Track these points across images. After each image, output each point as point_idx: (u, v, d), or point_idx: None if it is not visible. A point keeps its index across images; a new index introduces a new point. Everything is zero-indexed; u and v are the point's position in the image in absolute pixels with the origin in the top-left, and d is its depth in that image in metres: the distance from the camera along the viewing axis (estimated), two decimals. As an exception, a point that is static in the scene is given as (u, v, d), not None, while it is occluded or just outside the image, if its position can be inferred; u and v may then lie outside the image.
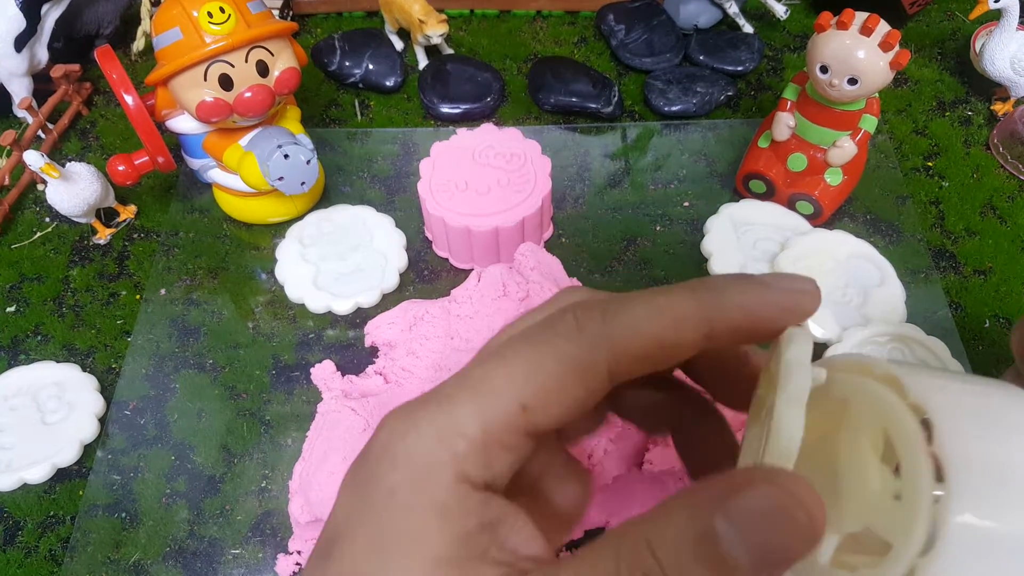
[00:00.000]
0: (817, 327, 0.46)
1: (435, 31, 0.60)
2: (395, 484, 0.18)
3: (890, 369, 0.18)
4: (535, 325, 0.19)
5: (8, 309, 0.50)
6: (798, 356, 0.18)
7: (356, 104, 0.62)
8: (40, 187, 0.56)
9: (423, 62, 0.63)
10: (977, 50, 0.59)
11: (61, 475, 0.43)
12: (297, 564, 0.40)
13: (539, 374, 0.18)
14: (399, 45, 0.65)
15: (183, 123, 0.49)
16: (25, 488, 0.43)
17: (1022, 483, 0.17)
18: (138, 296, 0.51)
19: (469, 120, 0.60)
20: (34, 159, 0.48)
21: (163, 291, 0.51)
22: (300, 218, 0.53)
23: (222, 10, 0.43)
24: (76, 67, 0.59)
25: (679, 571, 0.15)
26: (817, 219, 0.52)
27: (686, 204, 0.55)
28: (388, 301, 0.49)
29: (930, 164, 0.57)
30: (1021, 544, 0.16)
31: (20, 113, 0.59)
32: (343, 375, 0.45)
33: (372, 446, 0.19)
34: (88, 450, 0.44)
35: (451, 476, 0.18)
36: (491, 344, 0.21)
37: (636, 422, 0.25)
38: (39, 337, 0.49)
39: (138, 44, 0.65)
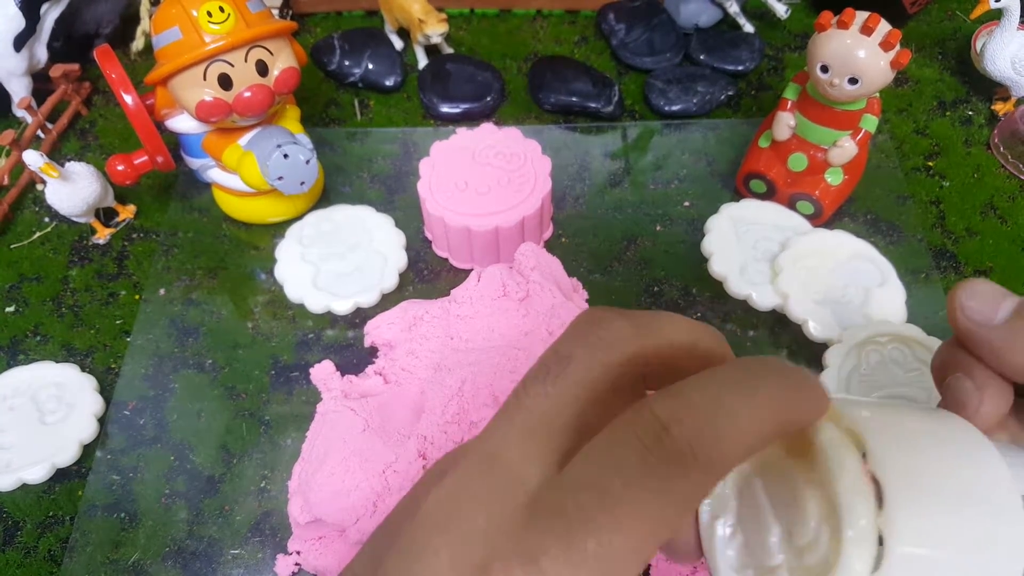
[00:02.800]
0: (817, 327, 0.46)
1: (435, 30, 0.60)
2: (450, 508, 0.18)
3: (849, 423, 0.19)
4: (639, 461, 0.17)
5: (7, 309, 0.50)
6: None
7: (356, 104, 0.62)
8: (39, 187, 0.56)
9: (423, 61, 0.63)
10: (978, 50, 0.58)
11: (60, 475, 0.43)
12: (296, 564, 0.40)
13: (662, 532, 0.17)
14: (399, 44, 0.65)
15: (182, 123, 0.49)
16: (24, 488, 0.43)
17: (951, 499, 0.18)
18: (137, 296, 0.51)
19: (469, 120, 0.60)
20: (33, 159, 0.48)
21: (162, 291, 0.51)
22: (299, 218, 0.53)
23: (221, 9, 0.43)
24: (75, 67, 0.59)
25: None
26: (817, 219, 0.51)
27: (686, 204, 0.55)
28: (388, 301, 0.49)
29: (931, 164, 0.57)
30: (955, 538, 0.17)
31: (19, 113, 0.59)
32: (342, 375, 0.45)
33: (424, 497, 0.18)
34: (87, 450, 0.44)
35: (507, 487, 0.18)
36: (590, 474, 0.18)
37: None
38: (38, 337, 0.49)
39: (137, 43, 0.64)
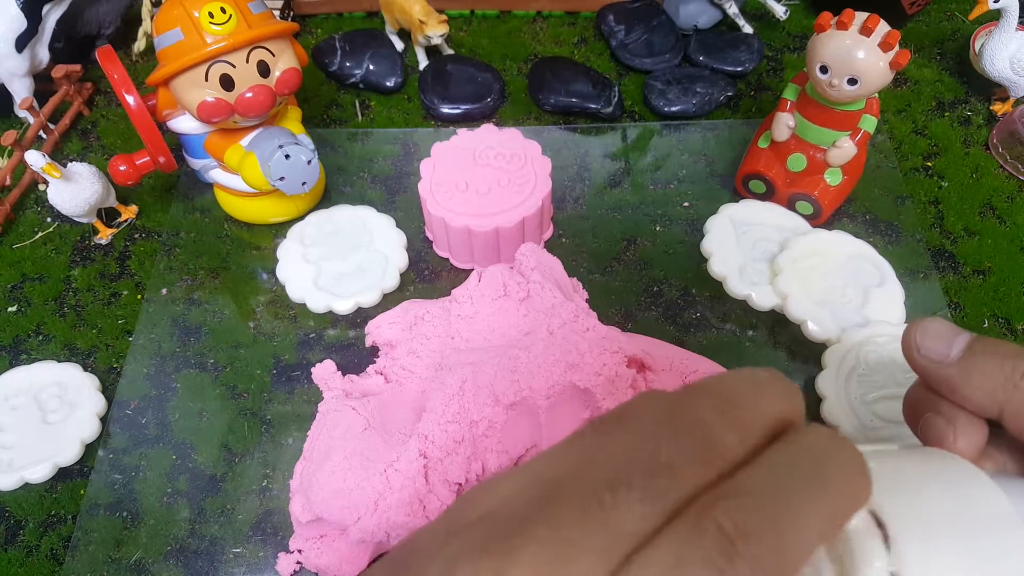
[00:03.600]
0: (816, 327, 0.46)
1: (435, 31, 0.60)
2: None
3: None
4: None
5: (10, 309, 0.50)
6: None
7: (356, 104, 0.62)
8: (41, 187, 0.56)
9: (423, 62, 0.63)
10: (977, 50, 0.59)
11: (62, 474, 0.43)
12: (298, 563, 0.40)
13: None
14: (399, 45, 0.65)
15: (184, 123, 0.49)
16: (26, 487, 0.43)
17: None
18: (139, 296, 0.51)
19: (469, 120, 0.60)
20: (35, 159, 0.48)
21: (164, 291, 0.51)
22: (301, 218, 0.53)
23: (223, 10, 0.44)
24: (77, 67, 0.59)
25: None
26: (817, 219, 0.52)
27: (686, 204, 0.55)
28: (389, 301, 0.49)
29: (929, 164, 0.57)
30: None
31: (21, 113, 0.59)
32: (344, 375, 0.45)
33: None
34: (89, 449, 0.44)
35: None
36: None
37: None
38: (40, 337, 0.49)
39: (139, 44, 0.65)
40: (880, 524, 0.18)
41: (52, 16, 0.57)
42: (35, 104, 0.57)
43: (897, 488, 0.19)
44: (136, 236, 0.54)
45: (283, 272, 0.50)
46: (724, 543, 0.15)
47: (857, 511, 0.18)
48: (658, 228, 0.54)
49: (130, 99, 0.47)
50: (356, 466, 0.37)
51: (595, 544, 0.15)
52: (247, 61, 0.44)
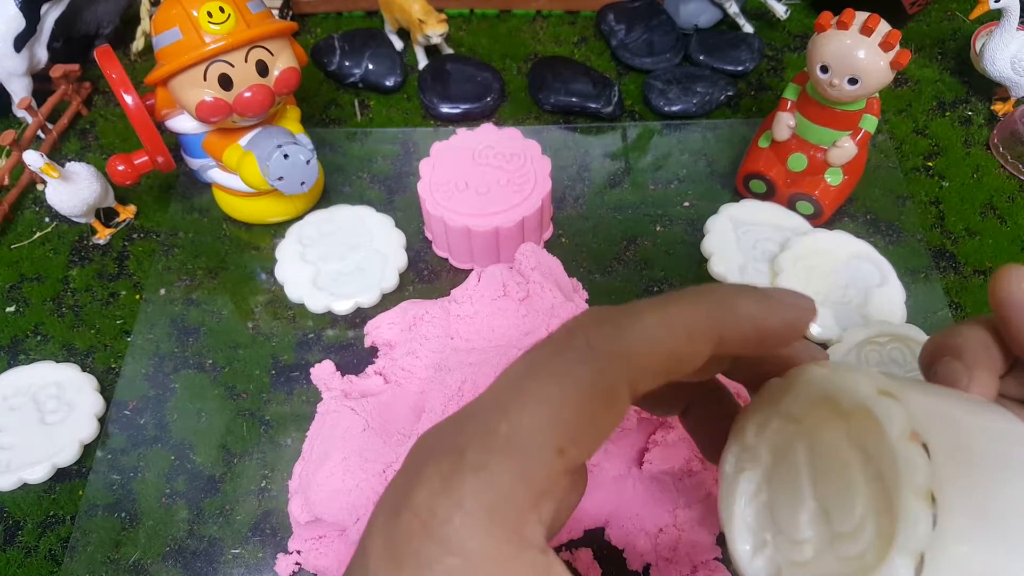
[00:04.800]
0: (817, 327, 0.46)
1: (435, 31, 0.60)
2: (451, 569, 0.16)
3: (890, 388, 0.18)
4: (544, 352, 0.18)
5: (8, 309, 0.50)
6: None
7: (356, 104, 0.62)
8: (40, 187, 0.56)
9: (423, 62, 0.63)
10: (977, 50, 0.58)
11: (61, 475, 0.43)
12: (297, 564, 0.40)
13: (565, 411, 0.17)
14: (399, 45, 0.65)
15: (183, 123, 0.49)
16: (25, 488, 0.43)
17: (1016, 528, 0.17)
18: (138, 296, 0.51)
19: (469, 120, 0.60)
20: (34, 159, 0.48)
21: (163, 291, 0.51)
22: (300, 218, 0.53)
23: (222, 10, 0.43)
24: (75, 67, 0.59)
25: None
26: (817, 219, 0.51)
27: (686, 204, 0.55)
28: (388, 301, 0.49)
29: (930, 164, 0.57)
30: None
31: (20, 113, 0.59)
32: (343, 375, 0.45)
33: (407, 523, 0.17)
34: (88, 450, 0.44)
35: (512, 548, 0.17)
36: (504, 380, 0.19)
37: (647, 407, 0.25)
38: (39, 337, 0.49)
39: (138, 44, 0.65)
40: (921, 441, 0.17)
41: (50, 16, 0.57)
42: (33, 104, 0.57)
43: (961, 460, 0.17)
44: (134, 236, 0.54)
45: (282, 272, 0.50)
46: (569, 328, 0.19)
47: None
48: (658, 228, 0.53)
49: (128, 99, 0.46)
50: (355, 467, 0.37)
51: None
52: (246, 60, 0.44)
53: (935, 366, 0.24)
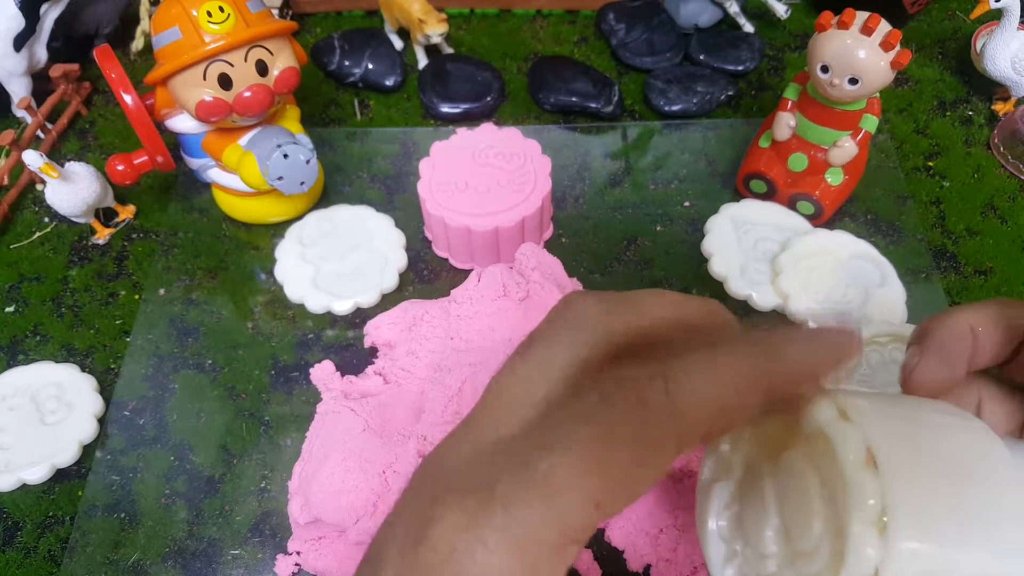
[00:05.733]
0: (818, 327, 0.46)
1: (435, 30, 0.60)
2: None
3: (850, 409, 0.19)
4: (591, 404, 0.18)
5: (7, 309, 0.50)
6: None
7: (356, 104, 0.62)
8: (39, 187, 0.56)
9: (423, 61, 0.63)
10: (978, 50, 0.58)
11: (60, 475, 0.43)
12: (296, 564, 0.39)
13: (610, 466, 0.17)
14: (399, 44, 0.65)
15: (182, 123, 0.49)
16: (24, 488, 0.43)
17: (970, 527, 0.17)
18: (137, 296, 0.51)
19: (469, 120, 0.60)
20: (33, 159, 0.48)
21: (162, 291, 0.51)
22: (299, 218, 0.53)
23: (221, 9, 0.43)
24: (75, 67, 0.59)
25: None
26: (818, 219, 0.51)
27: (686, 204, 0.55)
28: (388, 301, 0.49)
29: (931, 164, 0.57)
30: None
31: (19, 113, 0.59)
32: (342, 375, 0.45)
33: (424, 559, 0.17)
34: (87, 450, 0.44)
35: None
36: (515, 393, 0.19)
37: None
38: (38, 337, 0.49)
39: (137, 43, 0.64)
40: (875, 463, 0.17)
41: (50, 15, 0.57)
42: (33, 103, 0.57)
43: (893, 430, 0.18)
44: (134, 236, 0.54)
45: (281, 272, 0.50)
46: (615, 381, 0.18)
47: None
48: (659, 228, 0.53)
49: (128, 98, 0.46)
50: (355, 467, 0.37)
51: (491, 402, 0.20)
52: (245, 60, 0.44)
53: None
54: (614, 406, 0.17)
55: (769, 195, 0.52)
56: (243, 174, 0.48)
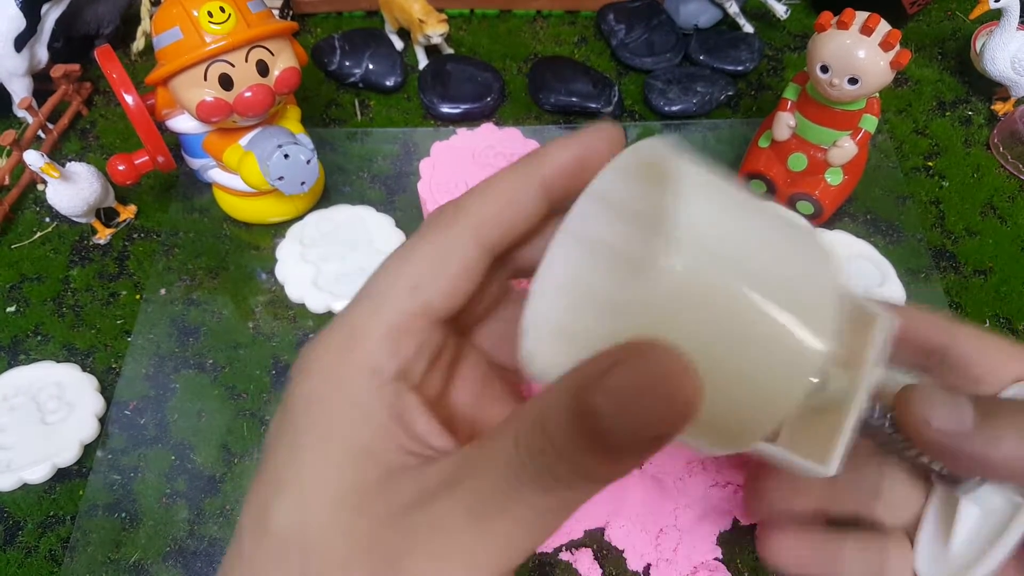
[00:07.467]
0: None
1: (435, 31, 0.60)
2: (309, 391, 0.19)
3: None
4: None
5: (8, 309, 0.50)
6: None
7: (356, 104, 0.62)
8: (40, 187, 0.56)
9: (423, 62, 0.63)
10: (977, 50, 0.58)
11: (61, 475, 0.43)
12: (297, 564, 0.40)
13: (418, 258, 0.20)
14: (399, 45, 0.65)
15: (183, 123, 0.49)
16: (25, 488, 0.43)
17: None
18: (138, 296, 0.51)
19: (469, 120, 0.60)
20: (34, 159, 0.48)
21: (163, 291, 0.51)
22: (300, 218, 0.53)
23: (222, 10, 0.43)
24: (76, 67, 0.59)
25: (568, 447, 0.15)
26: (817, 219, 0.51)
27: (686, 204, 0.55)
28: (388, 301, 0.49)
29: (930, 164, 0.57)
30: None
31: (20, 113, 0.59)
32: (343, 375, 0.45)
33: (290, 376, 0.20)
34: (88, 450, 0.44)
35: (361, 372, 0.19)
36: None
37: None
38: (39, 337, 0.49)
39: (138, 44, 0.65)
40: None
41: (51, 15, 0.57)
42: (34, 104, 0.57)
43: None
44: (135, 236, 0.54)
45: (282, 272, 0.50)
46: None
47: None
48: (658, 228, 0.53)
49: (129, 99, 0.46)
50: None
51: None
52: (246, 60, 0.44)
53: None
54: (418, 231, 0.21)
55: (769, 195, 0.52)
56: (244, 174, 0.48)
